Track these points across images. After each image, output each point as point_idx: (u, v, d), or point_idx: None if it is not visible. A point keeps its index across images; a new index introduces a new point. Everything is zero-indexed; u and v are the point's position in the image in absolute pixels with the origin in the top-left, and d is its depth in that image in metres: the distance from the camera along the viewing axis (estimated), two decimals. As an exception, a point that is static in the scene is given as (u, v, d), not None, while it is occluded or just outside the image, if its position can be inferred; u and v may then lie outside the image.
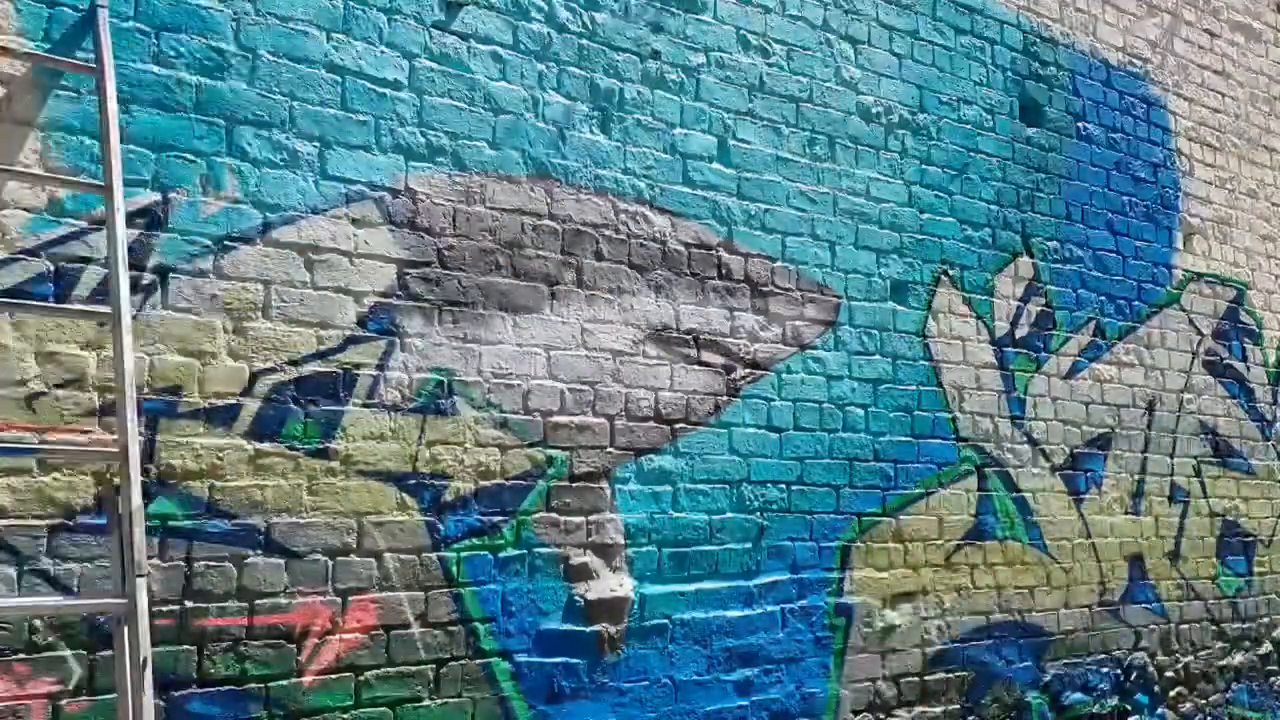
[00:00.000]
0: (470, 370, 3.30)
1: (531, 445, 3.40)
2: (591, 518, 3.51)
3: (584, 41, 3.67)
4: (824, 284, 4.17)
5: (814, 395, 4.10)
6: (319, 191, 3.08)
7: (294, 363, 2.99)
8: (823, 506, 4.07)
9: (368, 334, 3.13)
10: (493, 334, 3.35)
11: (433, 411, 3.22)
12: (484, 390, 3.32)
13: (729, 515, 3.82)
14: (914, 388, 4.37)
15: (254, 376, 2.93)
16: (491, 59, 3.45)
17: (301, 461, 2.98)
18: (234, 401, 2.90)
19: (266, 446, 2.93)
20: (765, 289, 4.00)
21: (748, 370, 3.94)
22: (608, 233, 3.63)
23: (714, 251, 3.89)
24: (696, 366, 3.82)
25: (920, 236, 4.47)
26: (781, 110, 4.14)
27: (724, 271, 3.90)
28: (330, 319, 3.07)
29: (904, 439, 4.33)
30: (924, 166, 4.54)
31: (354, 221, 3.13)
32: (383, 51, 3.23)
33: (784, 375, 4.03)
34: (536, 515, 3.38)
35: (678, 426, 3.74)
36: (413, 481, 3.17)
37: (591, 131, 3.64)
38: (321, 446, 3.02)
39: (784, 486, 3.98)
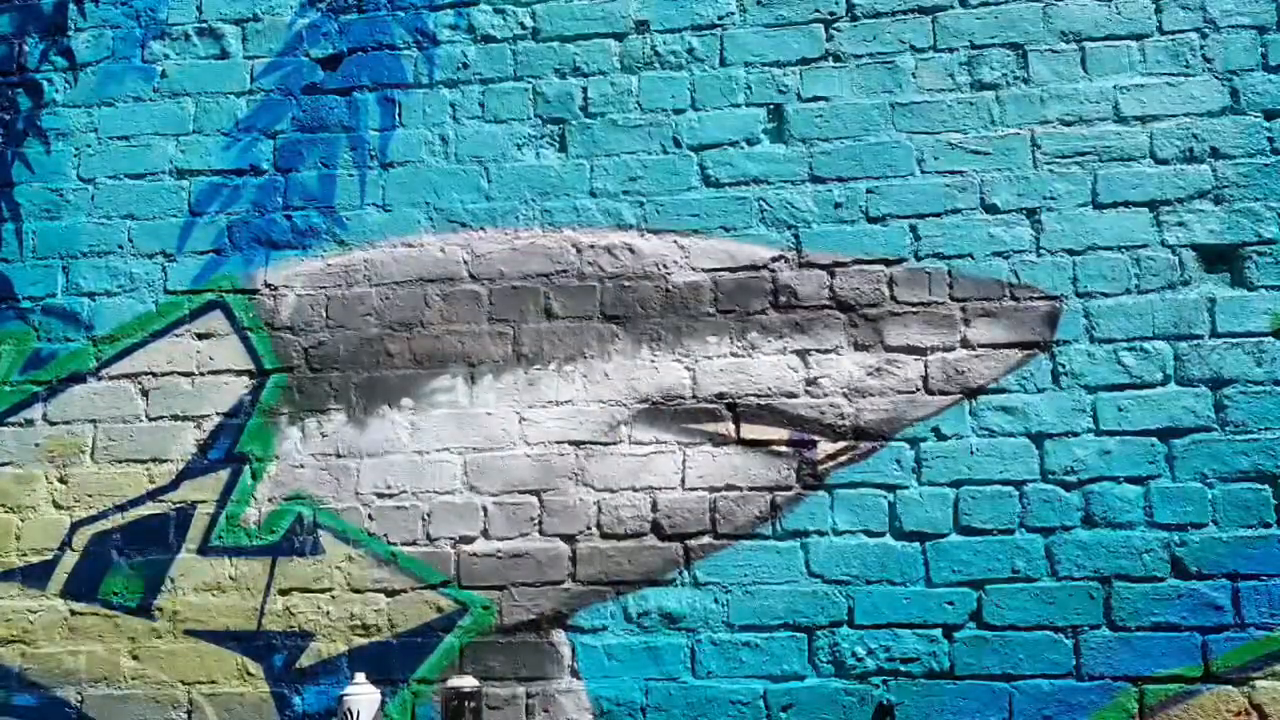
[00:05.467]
0: (344, 493, 2.56)
1: (433, 586, 2.49)
2: (533, 688, 2.42)
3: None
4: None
5: (993, 470, 2.40)
6: (159, 311, 2.72)
7: (120, 508, 2.62)
8: (1035, 664, 2.30)
9: (208, 462, 2.62)
10: (376, 442, 2.58)
11: (286, 552, 2.55)
12: (361, 516, 2.54)
13: (807, 684, 2.36)
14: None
15: (74, 527, 2.62)
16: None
17: (120, 622, 2.56)
18: (50, 557, 2.62)
19: (81, 606, 2.58)
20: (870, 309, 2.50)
21: (843, 444, 2.46)
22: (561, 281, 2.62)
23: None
24: (731, 449, 2.50)
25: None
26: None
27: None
28: (163, 452, 2.64)
29: (1249, 532, 2.30)
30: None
31: (198, 336, 2.70)
32: (238, 138, 2.80)
33: (924, 444, 2.44)
34: (441, 684, 2.42)
35: (696, 543, 2.46)
36: (258, 643, 2.51)
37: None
38: (144, 603, 2.56)
39: (936, 635, 2.34)
